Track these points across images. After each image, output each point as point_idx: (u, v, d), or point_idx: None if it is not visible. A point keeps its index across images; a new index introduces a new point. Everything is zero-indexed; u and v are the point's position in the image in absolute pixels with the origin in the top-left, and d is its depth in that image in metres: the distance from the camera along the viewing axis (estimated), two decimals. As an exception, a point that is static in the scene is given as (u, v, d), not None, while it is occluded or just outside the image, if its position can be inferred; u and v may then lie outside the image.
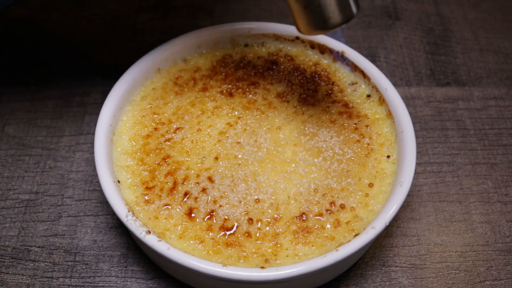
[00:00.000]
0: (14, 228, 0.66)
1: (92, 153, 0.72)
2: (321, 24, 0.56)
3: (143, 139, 0.64)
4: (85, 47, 0.85)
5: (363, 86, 0.69)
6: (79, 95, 0.79)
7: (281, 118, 0.66)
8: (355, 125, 0.65)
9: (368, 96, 0.68)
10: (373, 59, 0.85)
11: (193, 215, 0.58)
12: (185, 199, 0.59)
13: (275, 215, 0.58)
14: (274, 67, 0.71)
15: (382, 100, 0.66)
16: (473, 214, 0.69)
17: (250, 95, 0.68)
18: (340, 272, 0.63)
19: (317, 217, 0.58)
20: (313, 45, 0.72)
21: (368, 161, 0.62)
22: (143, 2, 0.92)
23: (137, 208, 0.59)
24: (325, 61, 0.72)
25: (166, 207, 0.59)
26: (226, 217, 0.58)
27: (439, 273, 0.64)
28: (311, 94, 0.69)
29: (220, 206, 0.59)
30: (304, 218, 0.58)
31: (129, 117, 0.66)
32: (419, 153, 0.74)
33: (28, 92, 0.79)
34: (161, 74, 0.70)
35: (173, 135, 0.64)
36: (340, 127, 0.65)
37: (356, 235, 0.56)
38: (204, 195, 0.60)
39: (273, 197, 0.60)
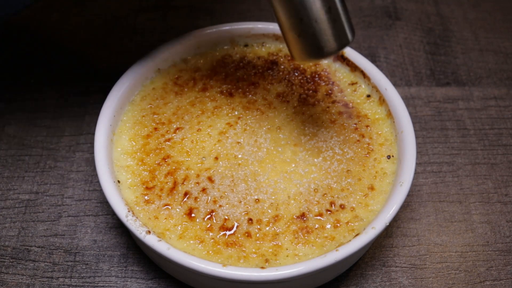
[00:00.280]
0: (14, 228, 0.66)
1: (92, 153, 0.72)
2: (315, 52, 0.54)
3: (143, 139, 0.64)
4: (85, 47, 0.85)
5: (363, 86, 0.69)
6: (79, 95, 0.79)
7: (281, 118, 0.66)
8: (355, 125, 0.65)
9: (368, 96, 0.68)
10: (373, 59, 0.85)
11: (193, 215, 0.58)
12: (185, 199, 0.59)
13: (275, 215, 0.58)
14: (274, 67, 0.71)
15: (382, 100, 0.66)
16: (473, 214, 0.69)
17: (250, 95, 0.68)
18: (340, 272, 0.63)
19: (317, 217, 0.58)
20: (313, 45, 0.72)
21: (368, 161, 0.62)
22: (143, 2, 0.92)
23: (137, 208, 0.59)
24: (325, 61, 0.72)
25: (166, 207, 0.59)
26: (226, 217, 0.58)
27: (439, 273, 0.64)
28: (311, 94, 0.69)
29: (220, 206, 0.59)
30: (304, 218, 0.58)
31: (129, 117, 0.66)
32: (419, 153, 0.74)
33: (28, 92, 0.79)
34: (161, 74, 0.70)
35: (173, 135, 0.64)
36: (340, 127, 0.65)
37: (356, 235, 0.56)
38: (204, 195, 0.60)
39: (273, 197, 0.60)
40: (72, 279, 0.63)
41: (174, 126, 0.65)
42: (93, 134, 0.73)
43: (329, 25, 0.53)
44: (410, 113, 0.73)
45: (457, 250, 0.66)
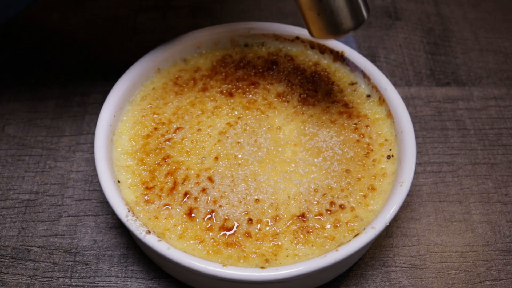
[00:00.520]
0: (14, 228, 0.66)
1: (92, 153, 0.72)
2: (333, 29, 0.59)
3: (143, 139, 0.64)
4: (85, 47, 0.85)
5: (363, 86, 0.69)
6: (79, 95, 0.79)
7: (281, 118, 0.66)
8: (355, 125, 0.65)
9: (368, 96, 0.68)
10: (373, 59, 0.85)
11: (193, 215, 0.58)
12: (185, 199, 0.59)
13: (275, 215, 0.58)
14: (274, 67, 0.71)
15: (382, 100, 0.66)
16: (473, 214, 0.69)
17: (250, 95, 0.68)
18: (340, 272, 0.63)
19: (317, 217, 0.58)
20: (313, 45, 0.72)
21: (368, 161, 0.62)
22: (143, 2, 0.92)
23: (137, 208, 0.59)
24: (325, 61, 0.72)
25: (166, 207, 0.59)
26: (226, 217, 0.58)
27: (439, 273, 0.64)
28: (311, 94, 0.69)
29: (220, 206, 0.59)
30: (304, 218, 0.58)
31: (129, 117, 0.66)
32: (419, 153, 0.74)
33: (28, 92, 0.79)
34: (161, 74, 0.70)
35: (173, 135, 0.64)
36: (340, 127, 0.65)
37: (356, 235, 0.56)
38: (204, 195, 0.60)
39: (273, 197, 0.60)
40: (72, 279, 0.63)
41: (174, 126, 0.65)
42: (93, 134, 0.74)
43: (347, 4, 0.57)
44: (410, 113, 0.73)
45: (457, 250, 0.66)
